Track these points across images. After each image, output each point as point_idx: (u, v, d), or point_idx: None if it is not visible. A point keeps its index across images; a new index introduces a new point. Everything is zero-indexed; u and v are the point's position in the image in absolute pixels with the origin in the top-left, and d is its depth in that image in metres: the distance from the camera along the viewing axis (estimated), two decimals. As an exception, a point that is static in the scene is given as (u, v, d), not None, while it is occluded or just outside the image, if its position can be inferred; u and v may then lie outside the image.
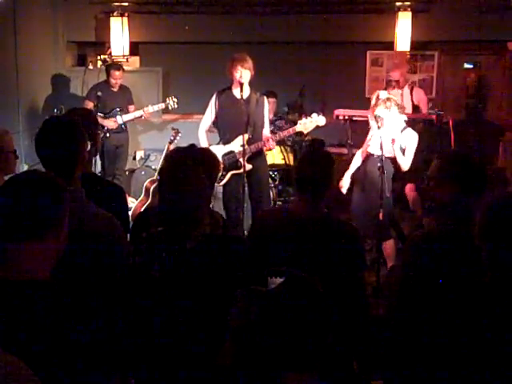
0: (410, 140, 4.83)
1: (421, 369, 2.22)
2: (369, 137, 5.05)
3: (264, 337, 1.51)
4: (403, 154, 4.82)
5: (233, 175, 5.23)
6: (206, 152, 2.83)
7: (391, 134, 4.70)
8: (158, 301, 2.05)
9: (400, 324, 2.44)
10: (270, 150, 5.37)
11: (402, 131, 4.80)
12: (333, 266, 2.55)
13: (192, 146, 2.61)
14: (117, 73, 6.69)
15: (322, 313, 1.55)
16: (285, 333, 1.51)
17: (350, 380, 2.67)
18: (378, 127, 4.62)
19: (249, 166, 5.10)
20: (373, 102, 5.11)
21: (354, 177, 5.09)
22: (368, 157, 4.93)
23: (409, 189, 5.97)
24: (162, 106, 6.82)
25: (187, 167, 2.12)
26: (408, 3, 7.24)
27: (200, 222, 2.09)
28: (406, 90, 6.57)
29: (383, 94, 4.99)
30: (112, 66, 6.86)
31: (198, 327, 2.05)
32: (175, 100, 6.79)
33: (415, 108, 6.59)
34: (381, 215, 4.59)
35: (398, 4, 7.24)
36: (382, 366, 2.71)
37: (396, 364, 2.51)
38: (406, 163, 4.83)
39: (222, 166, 5.07)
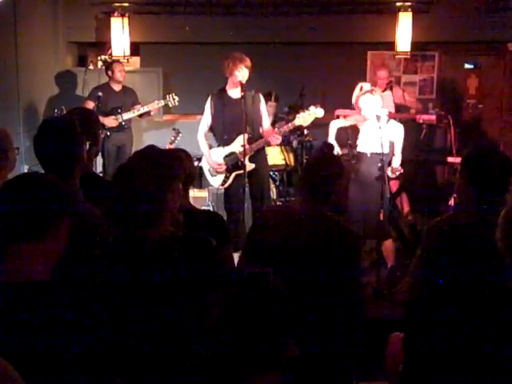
0: (397, 132, 4.84)
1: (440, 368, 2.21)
2: (349, 118, 5.06)
3: (225, 338, 1.52)
4: (392, 148, 4.84)
5: (236, 176, 5.22)
6: (161, 153, 2.75)
7: (381, 126, 4.70)
8: (122, 306, 2.00)
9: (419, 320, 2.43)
10: (276, 144, 5.34)
11: (387, 122, 4.79)
12: (328, 266, 2.56)
13: (150, 147, 2.56)
14: (119, 67, 6.72)
15: (280, 312, 1.55)
16: (243, 333, 1.51)
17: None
18: (380, 127, 4.62)
19: (251, 165, 5.10)
20: (356, 92, 5.07)
21: (350, 177, 5.08)
22: (360, 156, 4.92)
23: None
24: (162, 102, 6.81)
25: (133, 169, 2.09)
26: (408, 4, 7.22)
27: (156, 224, 2.05)
28: (388, 92, 6.61)
29: (367, 86, 5.01)
30: (113, 61, 6.92)
31: (166, 330, 2.01)
32: (176, 98, 6.78)
33: (398, 108, 6.63)
34: (381, 215, 4.59)
35: (398, 4, 7.22)
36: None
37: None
38: (397, 157, 4.85)
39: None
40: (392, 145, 4.82)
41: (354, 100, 4.99)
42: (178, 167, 2.56)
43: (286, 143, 6.70)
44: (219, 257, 2.25)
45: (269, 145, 5.38)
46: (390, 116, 5.01)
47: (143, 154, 2.23)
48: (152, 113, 6.79)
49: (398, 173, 4.72)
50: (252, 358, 1.52)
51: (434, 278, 2.38)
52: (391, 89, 6.80)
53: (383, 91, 6.50)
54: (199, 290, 1.98)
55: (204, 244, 2.14)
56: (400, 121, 5.11)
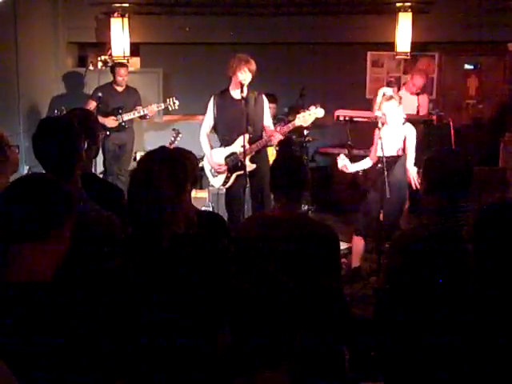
0: (410, 133, 4.87)
1: (415, 370, 2.22)
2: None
3: (237, 333, 1.56)
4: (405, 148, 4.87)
5: (237, 176, 5.21)
6: (175, 153, 2.80)
7: (395, 129, 4.72)
8: (135, 303, 2.03)
9: (388, 326, 2.45)
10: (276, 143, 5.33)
11: (402, 124, 4.87)
12: (308, 265, 2.59)
13: (162, 148, 2.61)
14: (122, 70, 6.75)
15: (290, 307, 1.60)
16: (255, 329, 1.55)
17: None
18: (379, 128, 4.62)
19: (252, 166, 5.09)
20: (379, 99, 5.08)
21: (368, 178, 5.11)
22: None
23: None
24: (162, 106, 6.84)
25: (150, 170, 2.13)
26: (408, 4, 7.22)
27: (170, 223, 2.09)
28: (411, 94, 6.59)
29: (389, 91, 5.01)
30: (117, 63, 6.95)
31: (180, 326, 2.04)
32: (176, 102, 6.80)
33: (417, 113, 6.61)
34: (381, 216, 4.59)
35: (398, 5, 7.22)
36: (380, 366, 2.71)
37: (389, 365, 2.51)
38: (410, 158, 4.88)
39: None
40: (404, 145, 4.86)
41: (377, 106, 5.01)
42: (191, 167, 2.61)
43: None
44: (229, 255, 2.29)
45: (269, 145, 5.37)
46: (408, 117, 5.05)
47: (158, 155, 2.26)
48: (148, 116, 6.79)
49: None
50: (263, 352, 1.59)
51: (402, 290, 2.38)
52: (418, 94, 6.75)
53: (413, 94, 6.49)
54: (211, 287, 2.03)
55: (216, 242, 2.18)
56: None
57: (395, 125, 4.78)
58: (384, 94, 4.97)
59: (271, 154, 6.24)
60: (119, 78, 6.74)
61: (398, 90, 6.68)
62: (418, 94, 6.70)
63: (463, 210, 2.38)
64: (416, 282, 2.32)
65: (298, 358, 1.63)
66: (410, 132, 4.88)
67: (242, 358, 1.61)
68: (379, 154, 4.82)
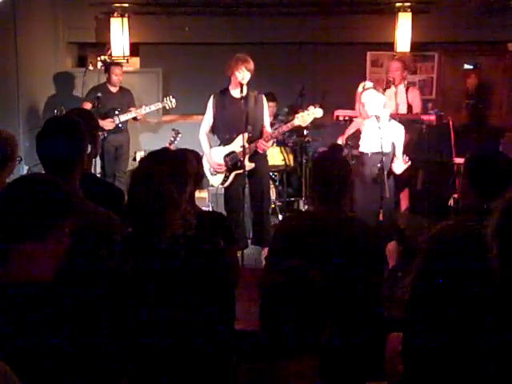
0: (397, 133, 4.78)
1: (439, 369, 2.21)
2: (351, 127, 5.01)
3: (266, 325, 1.60)
4: (393, 148, 4.80)
5: (236, 175, 5.22)
6: (176, 155, 2.76)
7: (380, 126, 4.68)
8: (132, 302, 2.04)
9: (420, 324, 2.43)
10: (264, 150, 5.26)
11: (388, 121, 4.78)
12: (356, 265, 2.60)
13: (164, 150, 2.60)
14: (117, 70, 6.73)
15: (319, 302, 1.63)
16: (284, 322, 1.62)
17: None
18: (379, 127, 4.61)
19: (251, 165, 5.09)
20: (359, 90, 5.05)
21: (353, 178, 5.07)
22: (361, 156, 4.89)
23: None
24: (159, 105, 6.83)
25: (151, 170, 2.13)
26: (408, 4, 7.23)
27: (168, 224, 2.09)
28: (402, 88, 6.56)
29: (369, 84, 4.98)
30: (112, 63, 6.93)
31: (175, 327, 2.05)
32: (172, 100, 6.80)
33: (409, 108, 6.59)
34: (381, 216, 4.58)
35: (398, 5, 7.24)
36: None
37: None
38: (398, 160, 4.77)
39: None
40: (393, 145, 4.79)
41: (356, 97, 4.98)
42: (191, 169, 2.61)
43: (283, 143, 6.71)
44: (226, 258, 2.29)
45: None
46: (392, 116, 4.99)
47: (158, 157, 2.27)
48: (139, 117, 6.77)
49: (406, 165, 4.73)
50: (288, 345, 1.64)
51: (434, 285, 2.37)
52: (407, 89, 6.74)
53: (386, 88, 6.45)
54: (205, 289, 2.06)
55: (213, 245, 2.19)
56: (400, 120, 5.09)
57: (379, 116, 4.66)
58: (364, 87, 4.93)
59: (271, 154, 6.25)
60: (114, 78, 6.72)
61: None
62: (407, 90, 6.69)
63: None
64: (450, 281, 2.31)
65: (322, 353, 1.66)
66: (398, 132, 4.78)
67: (266, 348, 1.66)
68: (375, 150, 4.80)
